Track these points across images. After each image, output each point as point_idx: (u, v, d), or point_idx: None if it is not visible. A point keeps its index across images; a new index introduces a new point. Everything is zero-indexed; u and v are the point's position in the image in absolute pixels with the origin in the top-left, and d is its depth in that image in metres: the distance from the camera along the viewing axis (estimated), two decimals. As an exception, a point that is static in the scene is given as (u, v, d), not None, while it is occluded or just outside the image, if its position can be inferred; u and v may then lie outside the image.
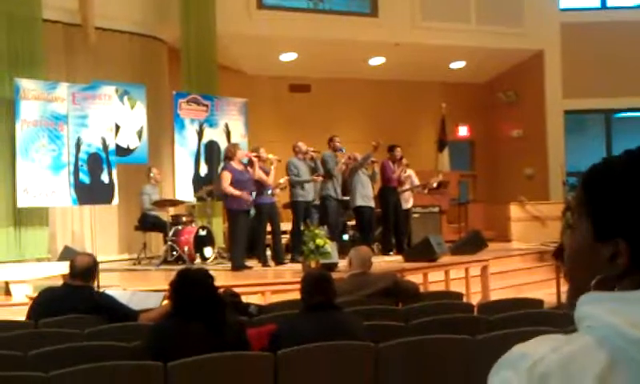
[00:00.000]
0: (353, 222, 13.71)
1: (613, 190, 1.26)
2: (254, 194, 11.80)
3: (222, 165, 11.85)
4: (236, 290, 6.93)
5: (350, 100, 17.96)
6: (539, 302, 6.60)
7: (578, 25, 18.12)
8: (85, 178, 12.52)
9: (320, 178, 12.59)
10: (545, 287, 11.41)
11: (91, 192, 12.59)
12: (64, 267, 6.97)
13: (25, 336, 5.10)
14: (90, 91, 12.83)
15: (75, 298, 5.83)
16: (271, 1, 16.04)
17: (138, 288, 8.12)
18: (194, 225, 12.96)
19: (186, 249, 12.28)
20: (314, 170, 12.68)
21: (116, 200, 12.96)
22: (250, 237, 11.82)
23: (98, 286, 6.22)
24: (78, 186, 12.43)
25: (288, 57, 17.04)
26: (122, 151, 13.61)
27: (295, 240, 12.22)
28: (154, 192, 13.19)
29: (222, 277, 9.36)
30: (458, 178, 17.85)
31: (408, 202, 14.13)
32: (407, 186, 14.03)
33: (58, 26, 13.50)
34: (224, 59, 15.25)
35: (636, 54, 17.87)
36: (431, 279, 10.74)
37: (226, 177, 11.34)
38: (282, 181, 12.43)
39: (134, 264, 12.84)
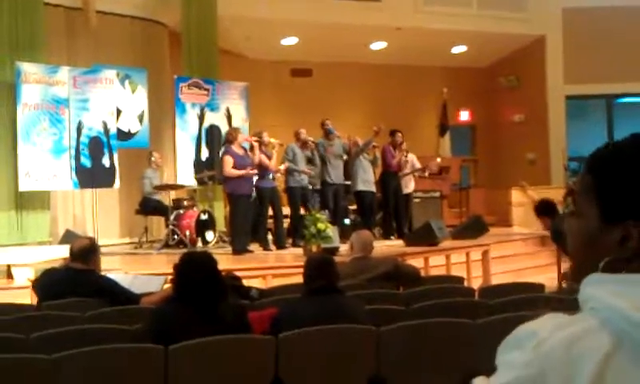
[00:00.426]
0: (354, 207, 13.72)
1: (624, 172, 1.26)
2: (255, 178, 11.82)
3: (222, 149, 11.83)
4: (237, 273, 6.94)
5: (352, 84, 17.94)
6: (540, 287, 6.61)
7: (579, 10, 18.06)
8: (86, 161, 12.52)
9: (310, 172, 12.57)
10: (546, 271, 11.40)
11: (92, 176, 12.60)
12: (65, 251, 6.98)
13: (27, 319, 5.12)
14: (91, 75, 12.81)
15: (77, 281, 5.85)
16: (272, -16, 15.98)
17: (140, 272, 8.14)
18: (195, 209, 12.97)
19: (187, 233, 12.29)
20: (310, 160, 12.70)
21: (117, 184, 12.97)
22: (251, 221, 11.84)
23: (99, 270, 6.21)
24: (80, 169, 12.44)
25: (289, 41, 17.01)
26: (123, 135, 13.61)
27: (294, 225, 12.26)
28: (154, 176, 13.20)
29: (224, 261, 9.34)
30: (459, 163, 17.84)
31: (409, 186, 14.12)
32: (408, 170, 14.01)
33: (60, 9, 13.47)
34: (225, 43, 15.21)
35: (637, 39, 17.82)
36: (432, 263, 10.76)
37: (228, 161, 11.32)
38: (281, 167, 12.42)
39: (136, 248, 12.86)
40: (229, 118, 14.16)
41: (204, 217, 12.69)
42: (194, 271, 4.44)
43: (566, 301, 4.29)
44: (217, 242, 12.62)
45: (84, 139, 12.52)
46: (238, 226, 11.34)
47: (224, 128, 13.70)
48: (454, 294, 6.17)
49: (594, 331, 1.17)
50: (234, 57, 16.42)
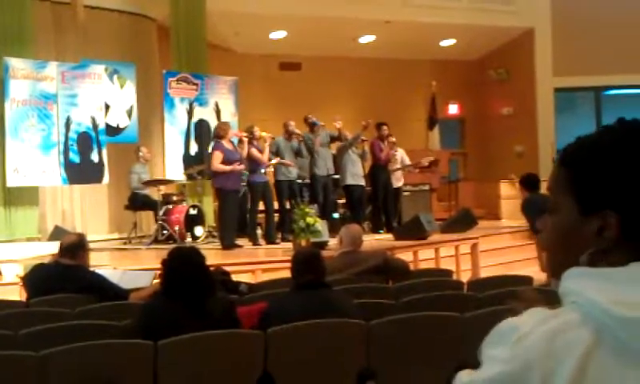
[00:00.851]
0: (343, 201, 13.73)
1: (599, 162, 1.26)
2: (246, 173, 11.81)
3: (212, 144, 11.81)
4: (226, 268, 6.94)
5: (341, 78, 17.93)
6: (529, 279, 6.62)
7: (568, 2, 18.09)
8: (75, 157, 12.49)
9: (292, 165, 12.51)
10: (534, 264, 11.39)
11: (81, 171, 12.57)
12: (54, 247, 6.97)
13: (15, 315, 5.10)
14: (80, 70, 12.77)
15: (66, 276, 5.84)
16: (261, -22, 15.94)
17: (129, 267, 8.12)
18: (184, 204, 12.95)
19: (176, 228, 12.27)
20: (297, 153, 12.67)
21: (106, 179, 12.95)
22: (241, 215, 11.84)
23: (88, 266, 6.20)
24: (68, 165, 12.41)
25: (278, 35, 16.97)
26: (111, 130, 13.58)
27: (281, 219, 12.26)
28: (143, 171, 13.15)
29: (213, 255, 9.37)
30: (448, 156, 17.87)
31: (399, 180, 14.16)
32: (398, 165, 14.04)
33: (47, 4, 13.42)
34: (214, 37, 15.18)
35: (626, 31, 17.86)
36: (421, 257, 10.76)
37: (218, 156, 11.29)
38: (273, 161, 12.39)
39: (125, 243, 12.82)
40: (218, 112, 14.15)
41: (193, 212, 12.68)
42: (182, 266, 4.44)
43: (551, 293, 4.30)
44: (206, 237, 12.62)
45: (72, 135, 12.49)
46: (227, 221, 11.32)
47: (213, 123, 13.66)
48: (443, 287, 6.18)
49: (576, 325, 1.18)
50: (223, 51, 16.39)
